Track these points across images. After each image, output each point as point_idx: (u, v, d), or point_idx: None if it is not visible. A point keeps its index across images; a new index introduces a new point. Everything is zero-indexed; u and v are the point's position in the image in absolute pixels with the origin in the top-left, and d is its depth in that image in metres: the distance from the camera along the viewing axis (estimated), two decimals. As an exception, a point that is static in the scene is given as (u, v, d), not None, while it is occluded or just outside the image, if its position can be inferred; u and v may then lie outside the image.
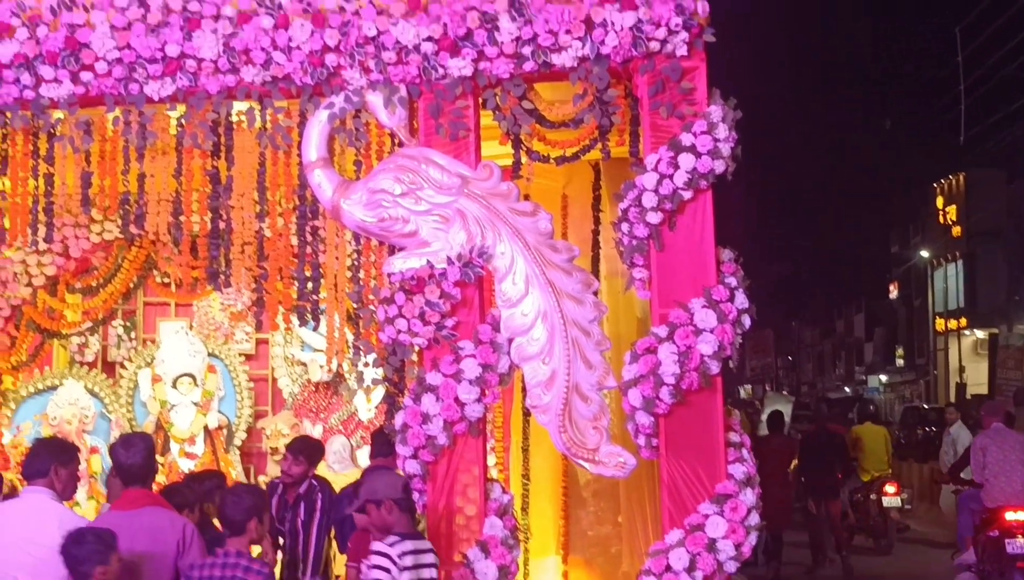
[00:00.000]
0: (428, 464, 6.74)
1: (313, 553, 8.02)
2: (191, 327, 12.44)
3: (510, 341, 6.78)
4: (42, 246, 8.48)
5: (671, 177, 6.67)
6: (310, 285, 7.26)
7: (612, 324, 7.36)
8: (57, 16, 6.90)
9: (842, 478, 15.48)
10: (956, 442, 16.13)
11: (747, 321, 6.72)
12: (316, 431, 11.87)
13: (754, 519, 6.62)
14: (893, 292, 53.36)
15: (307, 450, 8.09)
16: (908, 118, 47.30)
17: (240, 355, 12.55)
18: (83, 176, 7.34)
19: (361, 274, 7.15)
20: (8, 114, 7.06)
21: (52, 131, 7.19)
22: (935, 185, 43.78)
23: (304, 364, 12.31)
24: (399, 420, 6.79)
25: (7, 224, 7.54)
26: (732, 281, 6.75)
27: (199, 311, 12.63)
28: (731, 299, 6.69)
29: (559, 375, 6.72)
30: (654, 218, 6.72)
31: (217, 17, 6.81)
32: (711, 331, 6.62)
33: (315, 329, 9.89)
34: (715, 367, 6.67)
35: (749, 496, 6.65)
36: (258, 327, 8.71)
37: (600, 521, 9.51)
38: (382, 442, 7.54)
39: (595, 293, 6.90)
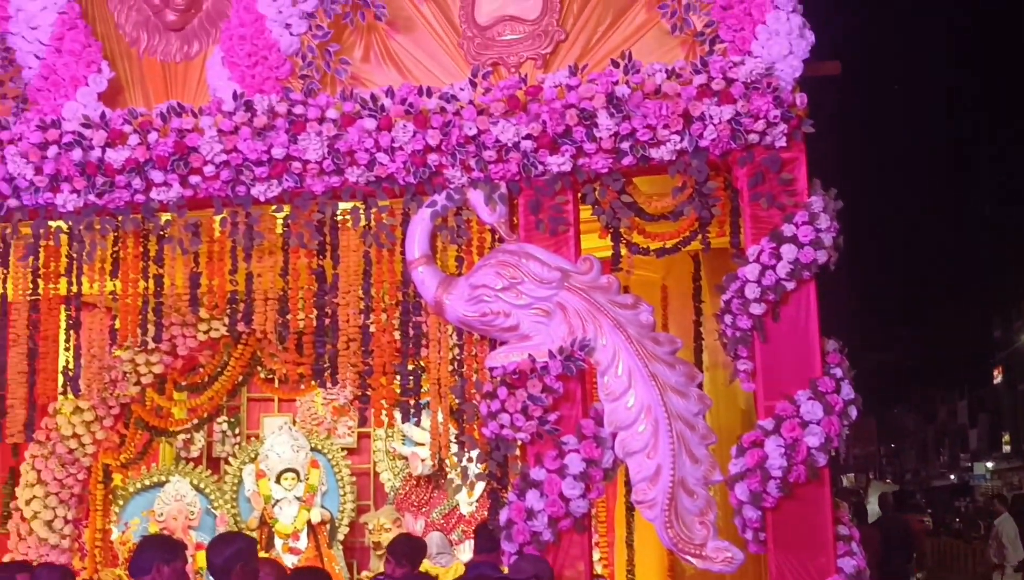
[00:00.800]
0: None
1: None
2: (294, 422, 12.57)
3: (614, 435, 6.73)
4: (151, 345, 8.62)
5: (773, 268, 6.64)
6: (413, 380, 7.29)
7: (715, 416, 7.27)
8: (167, 122, 7.09)
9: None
10: None
11: (853, 412, 6.62)
12: (418, 525, 11.87)
13: (866, 615, 6.49)
14: (997, 377, 52.26)
15: (409, 552, 8.05)
16: (1007, 201, 46.80)
17: (342, 449, 12.64)
18: (192, 276, 7.48)
19: (464, 369, 7.16)
20: (120, 217, 7.23)
21: (162, 233, 7.35)
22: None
23: (405, 458, 12.34)
24: (504, 516, 6.77)
25: (118, 324, 7.69)
26: (838, 372, 6.66)
27: (302, 406, 12.77)
28: (837, 390, 6.60)
29: (664, 469, 6.65)
30: (757, 309, 6.68)
31: (322, 120, 6.94)
32: (818, 423, 6.52)
33: (417, 424, 9.93)
34: (822, 459, 6.56)
35: (860, 590, 6.53)
36: (362, 422, 8.76)
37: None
38: (486, 537, 7.50)
39: (699, 386, 6.85)
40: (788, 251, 6.62)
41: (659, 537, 6.76)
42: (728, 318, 6.80)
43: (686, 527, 6.65)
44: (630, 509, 8.71)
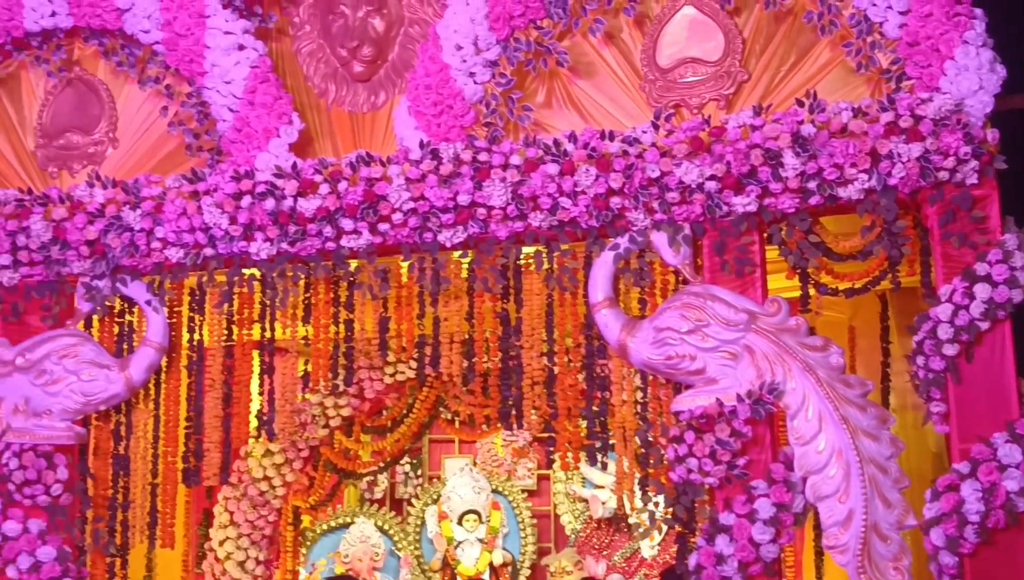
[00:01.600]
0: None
1: None
2: (475, 464, 12.67)
3: (804, 480, 6.63)
4: (340, 389, 8.79)
5: (967, 308, 6.46)
6: (599, 424, 7.28)
7: (905, 460, 7.09)
8: (356, 171, 7.24)
9: None
10: None
11: (1054, 454, 6.41)
12: (599, 569, 11.86)
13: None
14: None
15: None
16: None
17: (523, 491, 12.71)
18: (381, 321, 7.62)
19: (648, 412, 7.13)
20: (311, 264, 7.42)
21: (352, 279, 7.51)
22: None
23: (585, 500, 12.34)
24: (693, 561, 6.71)
25: (310, 368, 7.87)
26: (1038, 414, 6.46)
27: (482, 448, 12.89)
28: (1037, 433, 6.40)
29: (856, 514, 6.51)
30: (950, 350, 6.51)
31: (506, 166, 7.02)
32: (1016, 467, 6.30)
33: (604, 468, 9.93)
34: (1022, 504, 6.35)
35: (1069, 644, 6.28)
36: (548, 464, 8.76)
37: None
38: (673, 583, 7.46)
39: (890, 429, 6.70)
40: (982, 290, 6.44)
41: (851, 582, 6.65)
42: (920, 359, 6.63)
43: (880, 573, 6.50)
44: (819, 554, 8.54)
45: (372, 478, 12.26)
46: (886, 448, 6.61)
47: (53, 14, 8.05)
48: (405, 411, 9.95)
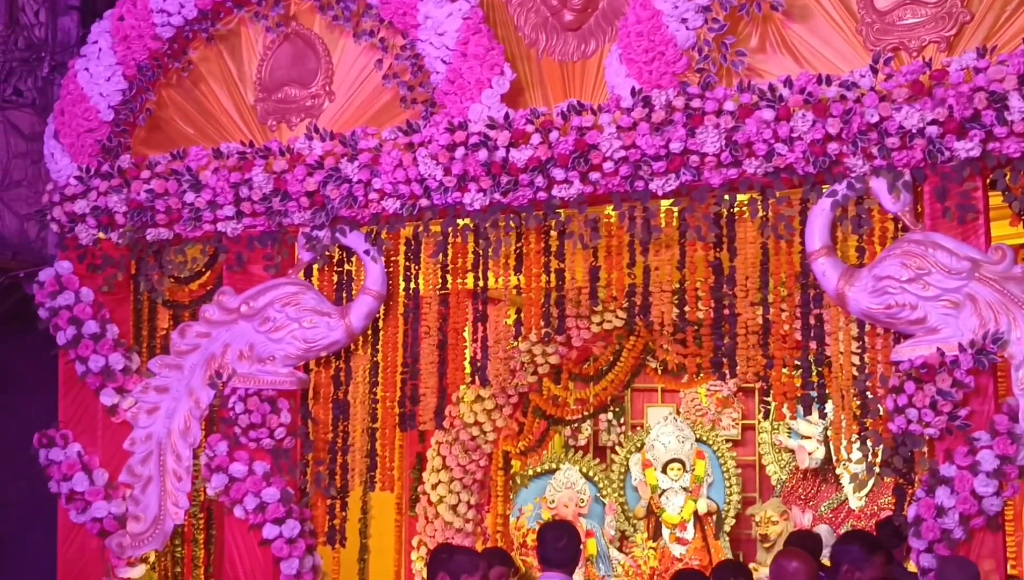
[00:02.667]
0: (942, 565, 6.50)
1: None
2: (678, 413, 12.66)
3: (1030, 432, 6.47)
4: (550, 337, 8.89)
5: None
6: (815, 374, 7.20)
7: None
8: (567, 121, 7.27)
9: None
10: None
11: None
12: (806, 519, 11.77)
13: None
14: None
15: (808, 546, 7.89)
16: None
17: (727, 441, 12.66)
18: (591, 270, 7.66)
19: (867, 363, 7.01)
20: (523, 215, 7.49)
21: (563, 229, 7.56)
22: None
23: (791, 451, 12.23)
24: (912, 512, 6.60)
25: (522, 317, 7.96)
26: None
27: (685, 397, 12.86)
28: None
29: (1086, 467, 6.34)
30: None
31: (719, 112, 6.95)
32: None
33: (822, 416, 9.82)
34: None
35: None
36: (761, 413, 8.67)
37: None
38: (890, 533, 7.35)
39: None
40: None
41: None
42: None
43: (1109, 530, 6.33)
44: (1041, 509, 8.31)
45: (576, 426, 12.35)
46: (1117, 398, 6.39)
47: (272, -30, 8.31)
48: (613, 359, 10.01)
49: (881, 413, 6.86)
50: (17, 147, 9.47)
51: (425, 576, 7.15)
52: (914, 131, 6.63)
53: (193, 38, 8.53)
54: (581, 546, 6.37)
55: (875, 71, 6.79)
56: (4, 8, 9.51)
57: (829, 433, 11.20)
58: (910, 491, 6.85)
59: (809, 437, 12.02)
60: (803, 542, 8.30)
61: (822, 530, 11.19)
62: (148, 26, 8.47)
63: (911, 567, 6.94)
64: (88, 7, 9.99)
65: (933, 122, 6.58)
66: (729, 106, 6.98)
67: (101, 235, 8.50)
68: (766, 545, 11.85)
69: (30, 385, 9.00)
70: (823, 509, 11.92)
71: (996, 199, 6.80)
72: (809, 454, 11.93)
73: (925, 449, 6.77)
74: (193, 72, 8.60)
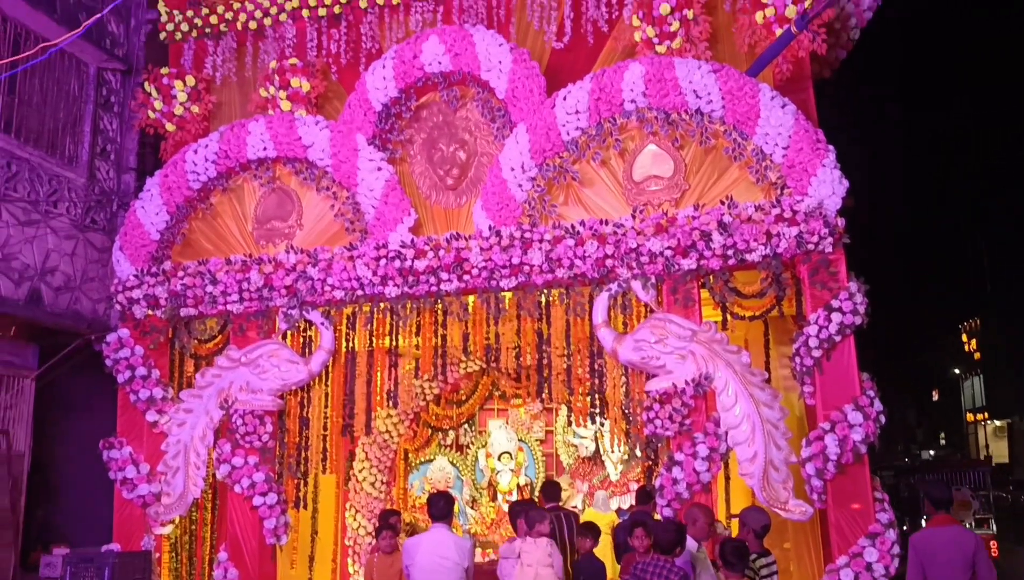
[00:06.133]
0: (677, 511, 6.49)
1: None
2: (507, 423, 12.48)
3: (726, 433, 6.52)
4: (426, 376, 8.65)
5: (827, 328, 6.39)
6: (599, 399, 7.16)
7: (789, 422, 6.98)
8: (450, 244, 7.16)
9: None
10: None
11: (883, 418, 6.30)
12: (583, 487, 11.61)
13: (896, 549, 6.10)
14: (935, 396, 49.41)
15: (551, 491, 7.51)
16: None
17: (537, 440, 12.48)
18: (463, 335, 7.43)
19: (629, 391, 6.99)
20: (421, 301, 7.29)
21: (446, 310, 7.34)
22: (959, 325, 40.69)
23: (575, 446, 12.13)
24: (657, 482, 6.59)
25: (418, 364, 7.74)
26: (871, 393, 6.35)
27: (512, 414, 12.66)
28: (871, 405, 6.30)
29: (760, 454, 6.41)
30: (817, 354, 6.42)
31: (541, 241, 6.94)
32: (859, 426, 6.23)
33: (600, 426, 9.73)
34: (863, 449, 6.25)
35: (892, 534, 6.14)
36: (571, 422, 8.46)
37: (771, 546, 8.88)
38: (643, 496, 7.30)
39: (779, 402, 6.60)
40: (836, 317, 6.38)
41: (756, 496, 6.51)
42: (797, 360, 6.55)
43: (774, 490, 6.39)
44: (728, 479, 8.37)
45: (447, 432, 12.08)
46: (777, 413, 6.50)
47: (264, 148, 8.03)
48: (472, 390, 9.84)
49: (638, 423, 6.86)
50: (91, 257, 8.92)
51: (377, 526, 6.82)
52: (657, 253, 6.73)
53: (213, 189, 8.22)
54: (453, 506, 6.10)
55: (634, 217, 6.88)
56: (86, 169, 9.04)
57: (598, 435, 11.18)
58: (656, 470, 6.82)
59: (585, 437, 11.93)
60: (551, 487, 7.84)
61: (599, 495, 11.10)
62: (184, 181, 8.13)
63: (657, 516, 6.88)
64: (142, 169, 9.50)
65: (668, 248, 6.70)
66: (547, 237, 6.99)
67: (149, 312, 8.03)
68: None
69: (99, 409, 8.38)
70: (595, 480, 11.82)
71: (705, 294, 6.93)
72: (586, 447, 11.84)
73: (665, 444, 6.78)
74: (213, 210, 8.26)
